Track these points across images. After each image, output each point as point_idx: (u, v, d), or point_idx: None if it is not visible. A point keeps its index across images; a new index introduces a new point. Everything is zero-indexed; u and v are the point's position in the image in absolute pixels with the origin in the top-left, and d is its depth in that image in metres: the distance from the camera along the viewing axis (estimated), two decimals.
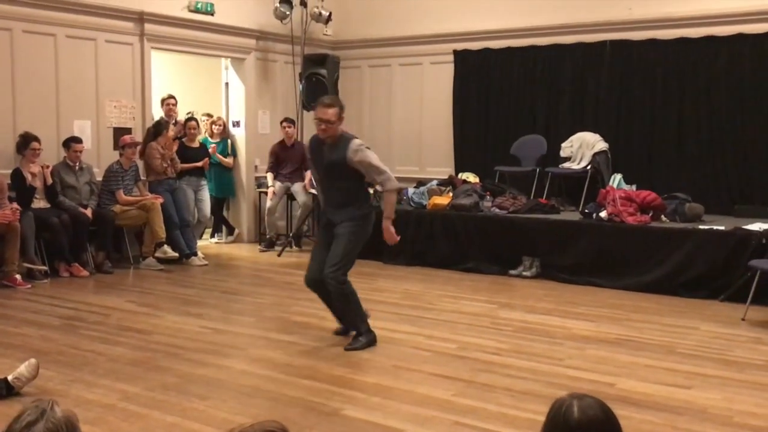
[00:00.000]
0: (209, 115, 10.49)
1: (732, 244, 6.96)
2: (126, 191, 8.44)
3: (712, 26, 8.58)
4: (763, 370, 4.87)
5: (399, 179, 7.93)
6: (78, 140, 8.14)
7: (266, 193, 9.95)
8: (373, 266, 8.75)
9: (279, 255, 9.40)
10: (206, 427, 3.83)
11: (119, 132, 8.82)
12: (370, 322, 5.48)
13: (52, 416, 1.76)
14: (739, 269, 6.76)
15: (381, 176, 5.23)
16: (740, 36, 8.43)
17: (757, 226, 7.05)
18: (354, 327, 5.43)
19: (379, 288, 7.52)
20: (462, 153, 10.38)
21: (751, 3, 8.33)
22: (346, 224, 5.28)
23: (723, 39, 8.54)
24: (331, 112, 5.15)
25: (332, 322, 6.01)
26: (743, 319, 6.18)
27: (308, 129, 10.66)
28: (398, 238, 5.37)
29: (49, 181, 7.80)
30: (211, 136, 10.21)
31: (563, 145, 9.20)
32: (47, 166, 7.84)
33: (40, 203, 7.79)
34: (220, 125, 10.23)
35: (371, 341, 5.33)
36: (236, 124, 10.54)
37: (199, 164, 9.26)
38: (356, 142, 5.23)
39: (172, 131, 8.98)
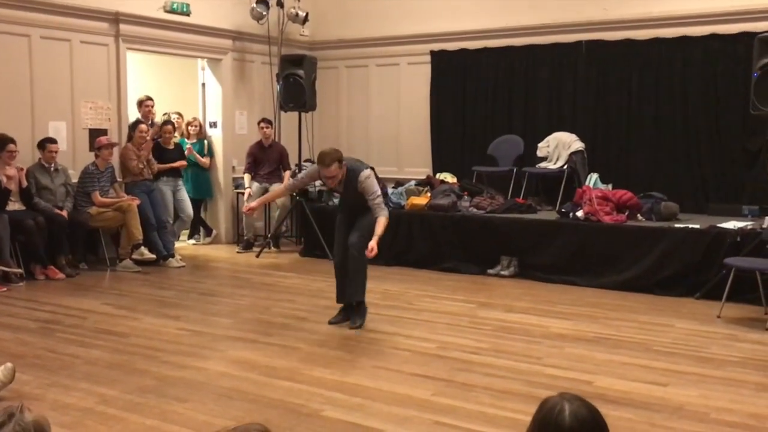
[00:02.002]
0: (180, 114, 10.42)
1: (707, 243, 7.04)
2: (102, 193, 8.38)
3: (686, 26, 8.67)
4: (739, 366, 4.93)
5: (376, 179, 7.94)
6: (53, 141, 8.07)
7: (243, 194, 9.92)
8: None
9: (257, 256, 9.37)
10: (186, 429, 3.82)
11: (95, 133, 8.75)
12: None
13: (21, 419, 1.74)
14: (714, 267, 6.84)
15: (378, 203, 5.78)
16: (714, 36, 8.52)
17: (731, 225, 7.14)
18: (356, 295, 5.93)
19: None
20: (440, 153, 10.41)
21: (723, 3, 8.42)
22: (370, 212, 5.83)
23: (697, 39, 8.63)
24: (333, 168, 5.68)
25: (313, 323, 6.02)
26: (719, 317, 6.24)
27: (285, 129, 10.68)
28: (374, 254, 5.66)
29: (24, 184, 7.72)
30: (187, 137, 10.16)
31: (540, 145, 9.26)
32: (21, 169, 7.75)
33: (15, 205, 7.71)
34: (195, 126, 10.18)
35: (364, 313, 6.00)
36: (213, 124, 10.49)
37: (176, 165, 9.21)
38: (365, 173, 5.80)
39: (147, 132, 8.91)
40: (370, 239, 5.61)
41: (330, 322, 5.97)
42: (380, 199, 5.82)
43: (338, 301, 6.12)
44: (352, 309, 6.00)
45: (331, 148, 5.97)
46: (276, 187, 9.70)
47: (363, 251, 5.66)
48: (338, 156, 5.74)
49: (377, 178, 6.20)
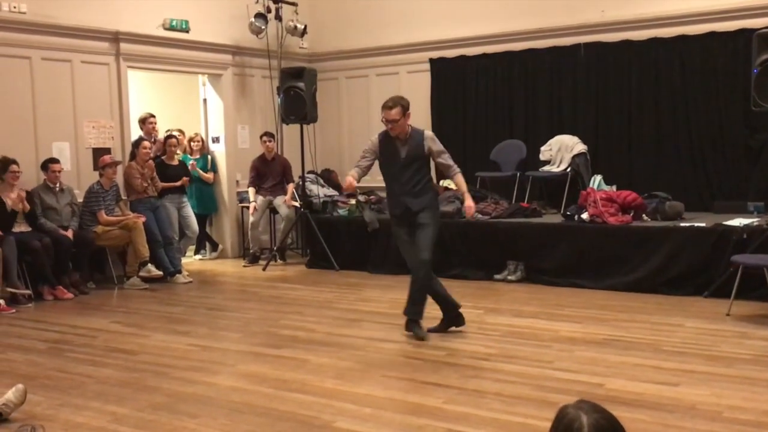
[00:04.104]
0: (181, 131, 10.44)
1: (714, 241, 7.02)
2: (107, 211, 8.40)
3: (683, 25, 8.68)
4: (750, 364, 4.92)
5: (379, 189, 7.95)
6: (55, 161, 8.11)
7: (248, 208, 9.94)
8: (359, 276, 8.78)
9: (264, 269, 9.38)
10: None
11: (98, 152, 8.78)
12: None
13: None
14: (721, 265, 6.83)
15: (451, 161, 5.83)
16: (712, 34, 8.53)
17: (737, 222, 7.12)
18: (452, 304, 5.89)
19: (366, 298, 7.53)
20: None
21: (721, 1, 8.44)
22: (427, 212, 5.72)
23: (695, 38, 8.64)
24: (394, 112, 5.61)
25: (322, 334, 6.01)
26: (728, 315, 6.23)
27: (287, 142, 10.69)
28: (473, 213, 5.98)
29: (27, 208, 7.72)
30: (190, 153, 10.18)
31: (542, 148, 9.26)
32: (23, 193, 7.73)
33: (21, 227, 7.73)
34: (198, 141, 10.21)
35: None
36: (216, 140, 10.52)
37: (178, 184, 9.20)
38: (428, 132, 5.83)
39: (151, 149, 8.93)
40: (433, 249, 5.66)
41: (428, 330, 5.87)
42: (449, 157, 5.85)
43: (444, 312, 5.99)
44: (448, 316, 5.95)
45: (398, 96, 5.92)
46: (280, 201, 9.77)
47: (430, 273, 5.70)
48: (405, 102, 5.70)
49: None
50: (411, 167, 5.73)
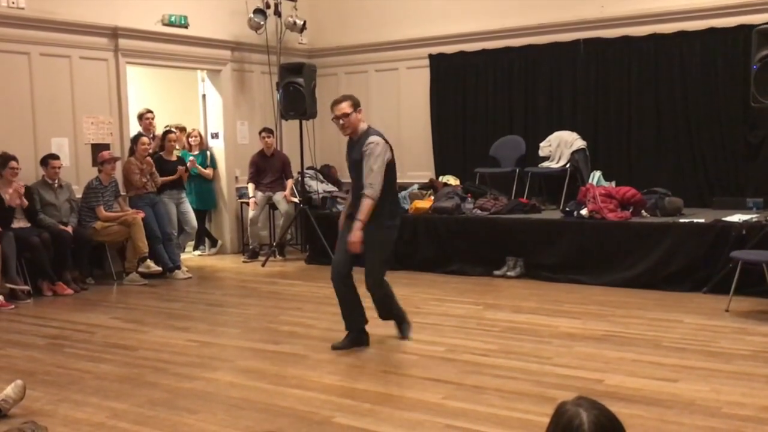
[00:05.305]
0: (182, 129, 10.43)
1: (713, 237, 7.03)
2: (106, 207, 8.40)
3: (683, 21, 8.68)
4: (749, 359, 4.92)
5: None
6: (55, 157, 8.09)
7: (248, 204, 9.94)
8: (358, 272, 8.73)
9: (263, 265, 9.38)
10: None
11: (97, 148, 8.77)
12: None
13: None
14: (720, 261, 6.83)
15: (368, 179, 5.14)
16: (712, 30, 8.52)
17: (736, 218, 7.13)
18: (392, 318, 5.65)
19: (364, 294, 7.49)
20: (441, 156, 10.42)
21: None
22: (371, 231, 5.16)
23: (695, 34, 8.63)
24: (344, 105, 5.23)
25: (322, 330, 6.01)
26: (727, 311, 6.23)
27: (287, 138, 10.69)
28: (358, 249, 5.20)
29: (25, 203, 7.71)
30: (189, 149, 10.17)
31: (541, 144, 9.26)
32: (21, 188, 7.72)
33: (20, 222, 7.73)
34: (196, 137, 10.20)
35: (408, 325, 5.69)
36: (215, 135, 10.51)
37: (176, 176, 9.16)
38: (373, 138, 5.20)
39: (149, 145, 8.92)
40: (385, 271, 5.42)
41: (334, 347, 5.44)
42: (375, 176, 5.10)
43: (347, 329, 5.55)
44: (359, 335, 5.53)
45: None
46: (280, 197, 9.76)
47: (381, 288, 5.42)
48: (356, 100, 5.31)
49: (392, 167, 5.31)
50: (356, 171, 5.26)
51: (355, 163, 5.28)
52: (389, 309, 5.61)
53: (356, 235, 5.14)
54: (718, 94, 8.58)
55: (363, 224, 5.14)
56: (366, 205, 5.13)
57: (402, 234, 8.62)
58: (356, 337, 5.50)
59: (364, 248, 5.21)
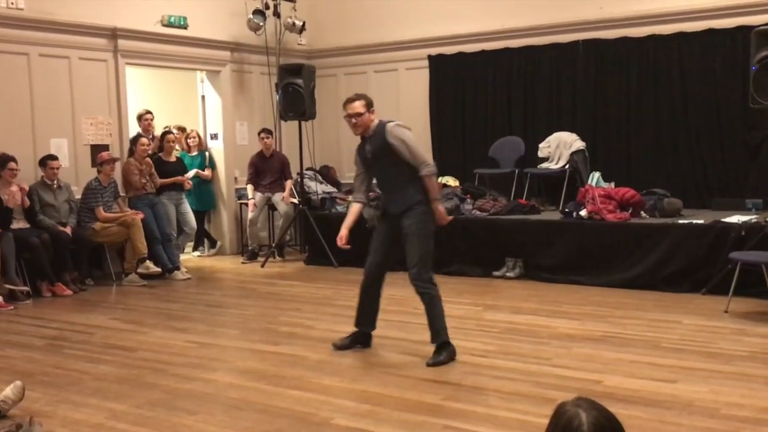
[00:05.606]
0: (182, 129, 10.44)
1: (712, 238, 7.03)
2: (106, 208, 8.40)
3: (682, 22, 8.68)
4: (748, 361, 4.92)
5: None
6: (53, 158, 8.09)
7: (247, 205, 9.94)
8: (358, 273, 8.65)
9: (262, 266, 9.38)
10: None
11: (97, 149, 8.77)
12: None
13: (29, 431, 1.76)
14: (719, 262, 6.83)
15: (417, 160, 5.04)
16: (711, 31, 8.53)
17: (735, 219, 7.13)
18: (436, 336, 5.12)
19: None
20: (440, 157, 10.38)
21: None
22: (410, 221, 5.04)
23: (694, 34, 8.64)
24: (357, 104, 5.16)
25: (321, 331, 6.01)
26: (726, 311, 6.23)
27: (286, 138, 10.69)
28: (451, 218, 5.23)
29: (26, 203, 7.73)
30: (187, 150, 10.17)
31: (541, 145, 9.26)
32: (24, 188, 7.75)
33: (19, 223, 7.73)
34: (194, 137, 10.20)
35: (452, 353, 5.09)
36: (214, 136, 10.51)
37: (177, 179, 9.14)
38: (389, 125, 5.13)
39: (149, 146, 8.92)
40: (431, 263, 5.08)
41: (335, 346, 5.43)
42: (420, 153, 5.06)
43: (356, 324, 5.48)
44: (364, 336, 5.48)
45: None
46: (279, 198, 9.76)
47: (426, 282, 5.06)
48: (369, 99, 5.20)
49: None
50: (380, 165, 5.17)
51: (374, 155, 5.14)
52: (433, 314, 5.15)
53: (441, 210, 5.11)
54: (716, 95, 8.59)
55: (439, 201, 5.17)
56: (433, 183, 5.11)
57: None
58: (360, 336, 5.48)
59: (407, 237, 5.05)
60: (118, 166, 8.77)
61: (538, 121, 9.68)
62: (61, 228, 7.93)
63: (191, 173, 9.64)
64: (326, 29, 11.21)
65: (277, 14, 10.40)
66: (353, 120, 5.19)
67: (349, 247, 5.25)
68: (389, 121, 5.23)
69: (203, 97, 10.61)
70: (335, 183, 10.77)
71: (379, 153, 5.13)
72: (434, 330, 5.15)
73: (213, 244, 10.51)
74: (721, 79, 8.54)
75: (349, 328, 6.05)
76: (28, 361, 5.38)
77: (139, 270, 8.35)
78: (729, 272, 6.45)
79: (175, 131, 10.12)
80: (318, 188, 10.21)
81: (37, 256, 7.59)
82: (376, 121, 5.24)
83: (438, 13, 10.26)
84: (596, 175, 8.67)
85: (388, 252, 5.28)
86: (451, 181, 9.69)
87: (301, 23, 10.61)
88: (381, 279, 5.36)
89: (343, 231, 5.25)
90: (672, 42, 8.79)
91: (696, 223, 7.26)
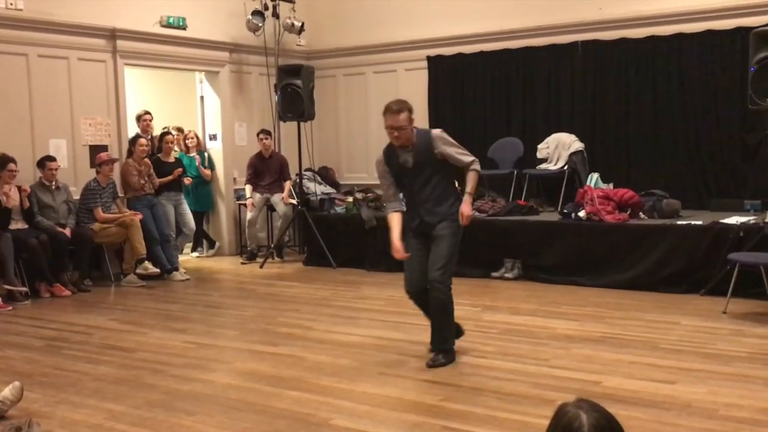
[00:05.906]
0: (180, 130, 10.43)
1: (710, 239, 7.03)
2: (104, 209, 8.39)
3: (681, 23, 8.68)
4: (746, 361, 4.92)
5: (376, 187, 7.96)
6: (52, 159, 8.09)
7: (246, 205, 9.94)
8: (356, 274, 8.78)
9: (261, 267, 9.38)
10: None
11: (95, 150, 8.77)
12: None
13: None
14: (718, 263, 6.83)
15: (468, 157, 5.03)
16: (709, 32, 8.53)
17: (734, 220, 7.13)
18: (443, 342, 5.07)
19: (363, 295, 7.53)
20: None
21: (718, 0, 8.44)
22: (444, 224, 4.97)
23: (692, 36, 8.64)
24: (401, 118, 4.89)
25: (319, 332, 6.01)
26: (724, 312, 6.23)
27: (285, 139, 10.69)
28: (472, 213, 5.04)
29: (26, 204, 7.73)
30: (186, 151, 10.17)
31: (539, 146, 9.26)
32: (25, 190, 7.75)
33: (18, 224, 7.73)
34: (192, 138, 10.19)
35: (452, 356, 5.08)
36: (213, 137, 10.51)
37: (174, 176, 9.12)
38: (435, 131, 5.06)
39: (147, 146, 8.91)
40: (453, 270, 5.02)
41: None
42: (464, 152, 5.02)
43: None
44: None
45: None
46: (277, 198, 9.76)
47: (447, 287, 4.98)
48: (410, 106, 4.95)
49: None
50: (422, 175, 5.00)
51: (418, 164, 4.98)
52: (446, 320, 5.10)
53: (468, 208, 4.94)
54: (715, 96, 8.59)
55: (473, 197, 5.05)
56: (475, 178, 5.03)
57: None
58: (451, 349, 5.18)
59: (439, 238, 4.97)
60: (116, 166, 8.77)
61: (536, 122, 9.68)
62: (60, 229, 7.93)
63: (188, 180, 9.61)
64: (325, 30, 11.21)
65: (276, 15, 10.40)
66: (395, 133, 4.94)
67: (408, 255, 5.04)
68: (428, 130, 5.12)
69: (202, 97, 10.61)
70: (334, 184, 10.78)
71: (424, 161, 4.98)
72: (441, 336, 5.08)
73: (212, 244, 10.50)
74: (720, 80, 8.55)
75: (348, 329, 6.09)
76: (27, 361, 5.37)
77: (138, 271, 8.35)
78: (727, 273, 6.46)
79: (173, 132, 10.12)
80: (317, 189, 10.21)
81: (36, 257, 7.59)
82: (414, 131, 5.03)
83: (437, 14, 10.27)
84: (595, 176, 8.67)
85: (424, 264, 5.06)
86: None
87: (300, 24, 10.61)
88: (426, 290, 5.09)
89: (397, 243, 5.01)
90: (671, 43, 8.79)
91: (694, 224, 7.26)
